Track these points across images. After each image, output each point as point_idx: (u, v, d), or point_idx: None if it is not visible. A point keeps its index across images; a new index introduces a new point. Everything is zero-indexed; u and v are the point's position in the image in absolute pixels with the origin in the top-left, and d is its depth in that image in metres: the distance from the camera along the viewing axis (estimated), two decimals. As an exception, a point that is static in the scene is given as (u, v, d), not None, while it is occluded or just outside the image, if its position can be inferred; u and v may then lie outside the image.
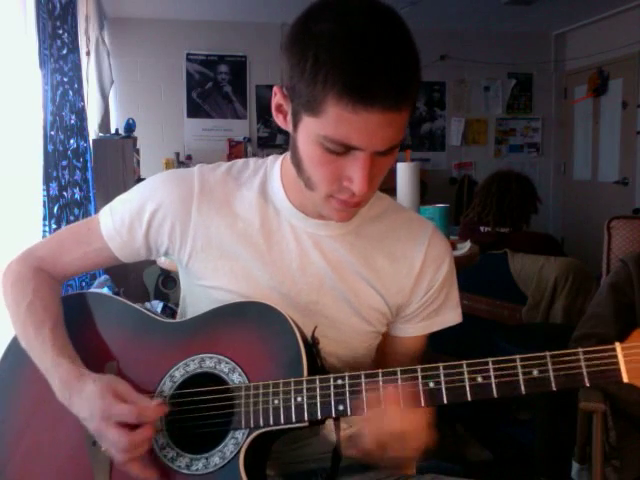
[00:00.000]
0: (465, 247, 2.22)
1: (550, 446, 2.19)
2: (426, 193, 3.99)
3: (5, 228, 1.97)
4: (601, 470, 1.55)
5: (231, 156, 5.28)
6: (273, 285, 0.94)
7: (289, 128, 0.86)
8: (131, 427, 0.82)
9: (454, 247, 2.15)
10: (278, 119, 0.87)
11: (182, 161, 5.22)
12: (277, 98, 0.85)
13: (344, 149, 0.78)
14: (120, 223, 0.98)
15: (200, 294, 0.98)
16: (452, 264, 1.01)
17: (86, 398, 0.85)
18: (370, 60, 0.73)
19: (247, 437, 0.83)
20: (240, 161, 1.02)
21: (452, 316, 1.02)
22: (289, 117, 0.84)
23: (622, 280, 1.61)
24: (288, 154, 0.93)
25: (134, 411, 0.82)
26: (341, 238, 0.95)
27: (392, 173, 2.48)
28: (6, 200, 2.03)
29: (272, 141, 5.52)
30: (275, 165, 0.98)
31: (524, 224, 2.88)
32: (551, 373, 0.75)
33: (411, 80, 0.76)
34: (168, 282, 4.13)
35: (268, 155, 1.03)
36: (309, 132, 0.80)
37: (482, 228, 2.83)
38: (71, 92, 2.87)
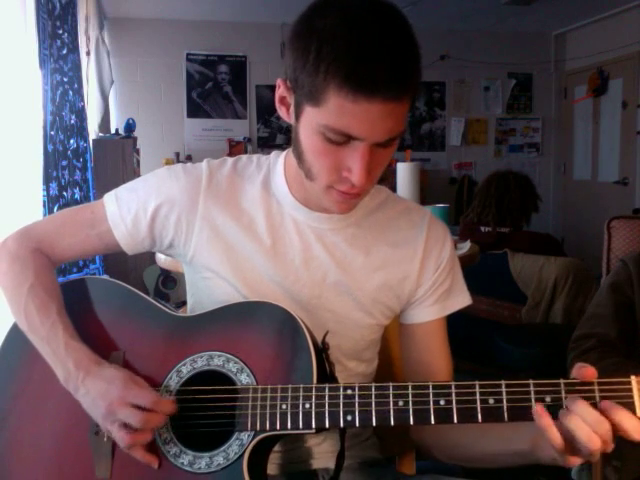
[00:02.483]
0: (465, 247, 2.22)
1: (550, 446, 2.19)
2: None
3: (5, 228, 1.97)
4: (601, 470, 1.55)
5: (231, 156, 5.28)
6: (277, 279, 0.95)
7: (291, 120, 0.87)
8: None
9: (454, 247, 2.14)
10: (281, 111, 0.88)
11: (182, 161, 5.22)
12: (280, 90, 0.86)
13: (344, 139, 0.79)
14: (126, 212, 0.97)
15: (205, 288, 0.98)
16: (453, 246, 1.02)
17: (105, 379, 0.85)
18: (371, 51, 0.74)
19: (252, 439, 0.82)
20: (245, 157, 1.03)
21: (463, 298, 1.03)
22: (292, 109, 0.85)
23: (622, 280, 1.61)
24: (291, 150, 0.94)
25: (151, 396, 0.83)
26: (343, 231, 0.96)
27: (392, 173, 2.49)
28: (6, 200, 2.03)
29: (272, 141, 5.52)
30: (278, 160, 0.99)
31: (525, 223, 2.88)
32: (564, 402, 0.74)
33: (412, 71, 0.77)
34: (168, 282, 4.13)
35: (267, 155, 1.03)
36: (311, 122, 0.81)
37: (482, 228, 2.82)
38: (71, 92, 2.87)
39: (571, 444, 0.73)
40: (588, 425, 0.71)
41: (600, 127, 5.52)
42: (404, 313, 1.02)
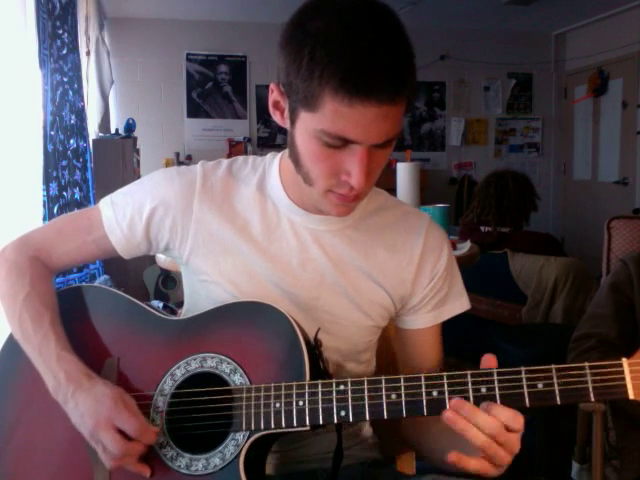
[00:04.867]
0: (465, 247, 2.22)
1: (550, 446, 2.19)
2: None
3: (5, 228, 1.97)
4: (601, 470, 1.55)
5: (231, 156, 5.22)
6: (274, 281, 0.94)
7: (286, 124, 0.86)
8: (126, 437, 0.82)
9: (454, 247, 2.15)
10: (275, 116, 0.88)
11: (182, 161, 5.23)
12: (274, 95, 0.86)
13: (341, 143, 0.79)
14: (122, 217, 0.97)
15: (201, 290, 0.98)
16: (451, 253, 1.02)
17: (94, 396, 0.84)
18: (364, 54, 0.74)
19: (247, 439, 0.82)
20: (240, 158, 1.03)
21: (460, 304, 1.03)
22: (286, 114, 0.85)
23: (622, 280, 1.61)
24: (287, 151, 0.94)
25: (137, 424, 0.82)
26: (340, 232, 0.96)
27: (392, 173, 2.48)
28: (6, 200, 2.03)
29: (272, 141, 5.52)
30: (274, 162, 0.99)
31: (524, 222, 2.88)
32: (556, 387, 0.74)
33: (406, 73, 0.77)
34: (168, 282, 4.13)
35: (263, 156, 1.03)
36: (307, 127, 0.80)
37: (483, 228, 2.83)
38: (71, 92, 2.87)
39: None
40: (486, 435, 0.74)
41: (600, 127, 5.52)
42: (400, 318, 1.02)
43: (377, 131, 0.78)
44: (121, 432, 0.82)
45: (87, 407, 0.84)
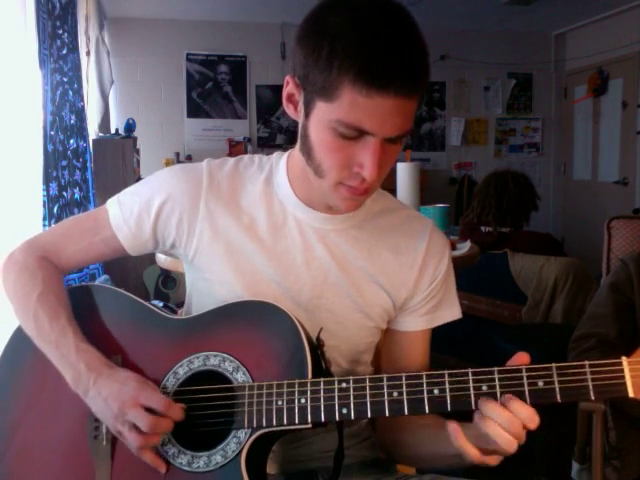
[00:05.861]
0: (465, 247, 2.22)
1: (550, 446, 2.19)
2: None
3: (5, 228, 1.97)
4: (601, 470, 1.55)
5: (231, 156, 5.26)
6: (277, 279, 0.95)
7: (300, 117, 0.87)
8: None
9: (454, 247, 2.15)
10: (288, 109, 0.89)
11: (182, 161, 5.22)
12: (289, 88, 0.87)
13: (356, 134, 0.80)
14: (129, 214, 0.98)
15: (205, 289, 0.99)
16: (451, 259, 1.03)
17: (118, 380, 0.86)
18: (385, 48, 0.76)
19: (249, 437, 0.83)
20: (246, 157, 1.03)
21: (452, 311, 1.03)
22: (300, 106, 0.86)
23: (622, 280, 1.61)
24: (294, 150, 0.95)
25: (163, 400, 0.83)
26: (345, 232, 0.97)
27: (392, 173, 2.48)
28: (6, 200, 2.03)
29: (272, 141, 5.52)
30: (281, 160, 1.00)
31: (524, 222, 2.88)
32: (557, 385, 0.75)
33: (422, 69, 0.80)
34: (168, 282, 4.13)
35: (268, 155, 1.03)
36: (322, 118, 0.82)
37: (483, 228, 2.83)
38: (71, 92, 2.87)
39: (487, 446, 0.76)
40: (503, 429, 0.75)
41: (600, 127, 5.52)
42: (394, 319, 1.03)
43: (391, 124, 0.79)
44: (148, 410, 0.82)
45: (110, 391, 0.85)
